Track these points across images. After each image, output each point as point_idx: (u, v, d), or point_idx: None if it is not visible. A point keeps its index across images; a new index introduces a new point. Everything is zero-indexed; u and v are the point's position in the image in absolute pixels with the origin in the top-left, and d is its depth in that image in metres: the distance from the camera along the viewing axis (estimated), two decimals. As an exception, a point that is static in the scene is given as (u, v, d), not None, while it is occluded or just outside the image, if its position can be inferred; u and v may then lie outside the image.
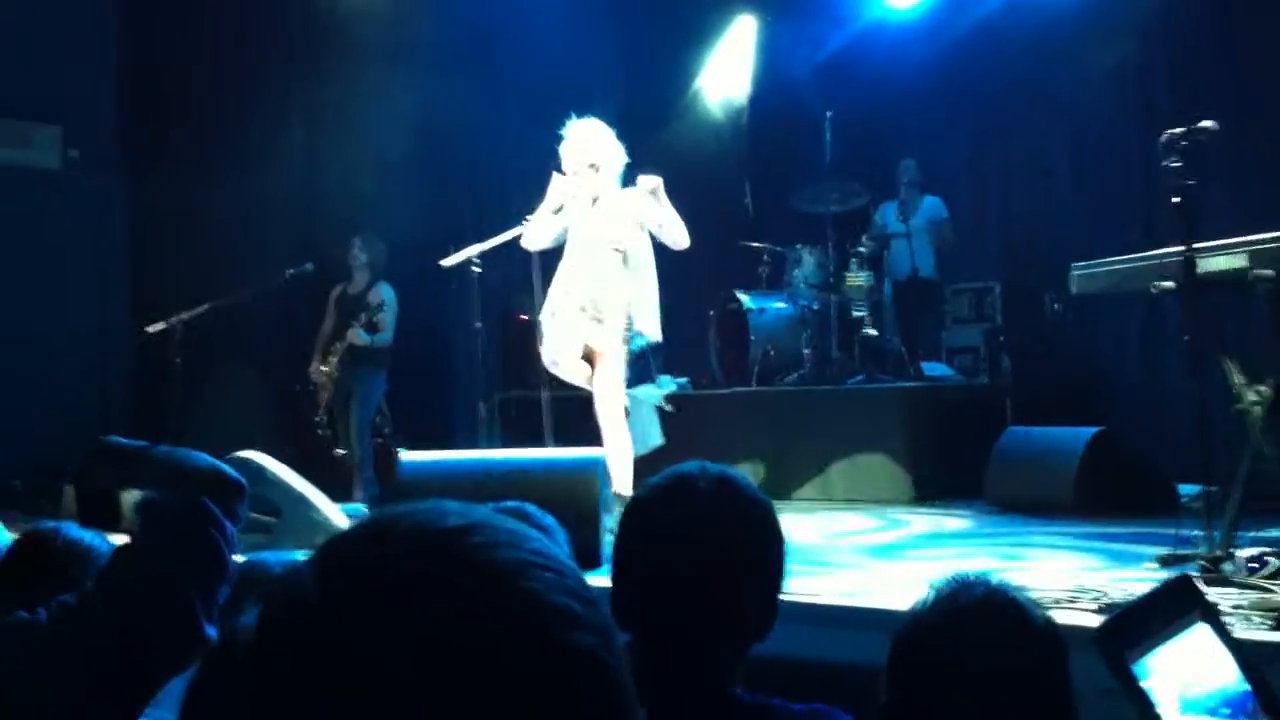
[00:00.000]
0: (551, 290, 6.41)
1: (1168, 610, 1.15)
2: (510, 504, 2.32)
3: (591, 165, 6.28)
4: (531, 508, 2.33)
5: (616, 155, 6.38)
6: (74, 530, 2.39)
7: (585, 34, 9.59)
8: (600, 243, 6.29)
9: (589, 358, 6.25)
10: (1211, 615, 1.16)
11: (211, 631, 1.84)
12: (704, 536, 1.88)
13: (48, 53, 9.69)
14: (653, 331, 6.36)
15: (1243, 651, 1.15)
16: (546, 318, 6.36)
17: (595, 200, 6.36)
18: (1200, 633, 1.15)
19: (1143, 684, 1.11)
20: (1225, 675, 1.14)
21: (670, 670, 1.85)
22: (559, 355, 6.24)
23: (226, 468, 2.03)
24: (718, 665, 1.88)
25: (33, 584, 2.16)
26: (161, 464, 2.04)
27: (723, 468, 1.99)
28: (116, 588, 1.83)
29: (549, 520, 2.32)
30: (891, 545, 5.99)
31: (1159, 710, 1.11)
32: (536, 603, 0.76)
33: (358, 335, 8.31)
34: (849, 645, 3.86)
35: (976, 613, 1.63)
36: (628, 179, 6.46)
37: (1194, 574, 3.97)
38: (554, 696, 0.74)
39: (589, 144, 6.32)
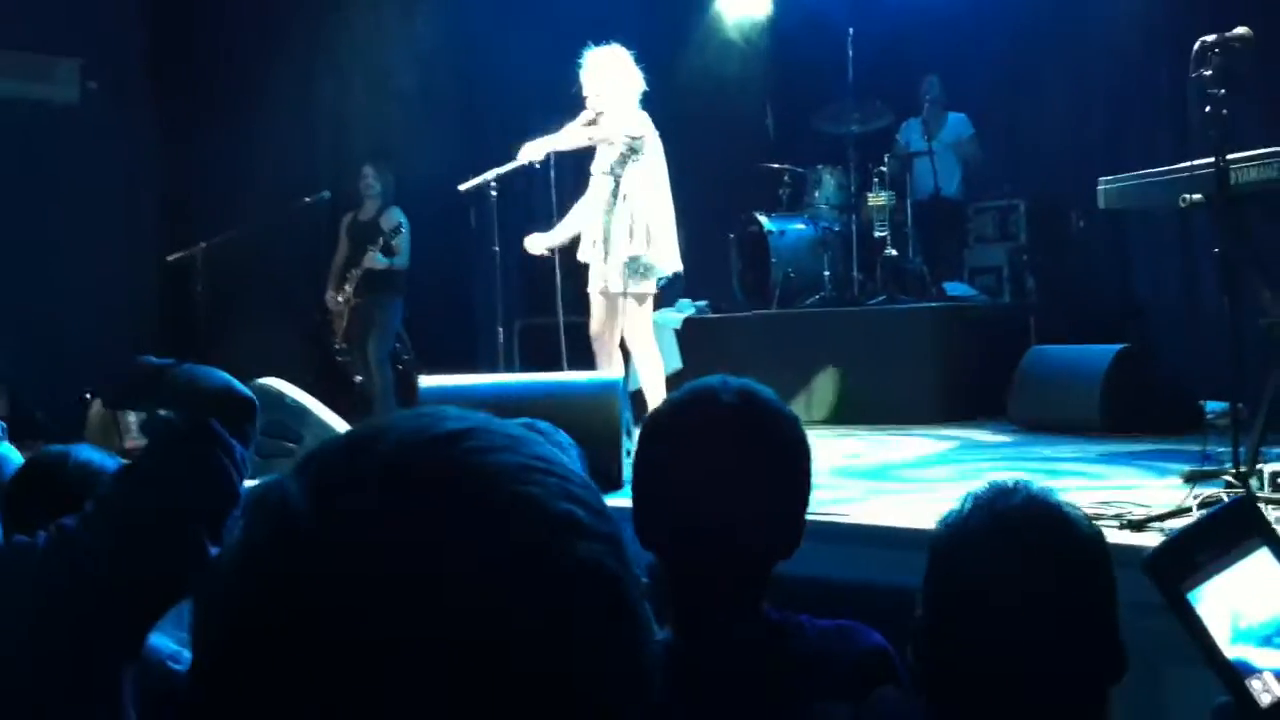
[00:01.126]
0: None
1: (1226, 534, 1.09)
2: (522, 420, 2.27)
3: (596, 92, 6.23)
4: (544, 424, 2.27)
5: (626, 83, 6.27)
6: (85, 451, 2.37)
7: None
8: (599, 173, 6.28)
9: (605, 294, 6.28)
10: (1273, 539, 1.10)
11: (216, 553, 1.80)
12: (728, 450, 1.82)
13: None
14: (669, 262, 6.33)
15: None
16: (587, 249, 6.37)
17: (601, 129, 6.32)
18: (1260, 558, 1.09)
19: (1197, 610, 1.07)
20: None
21: (695, 589, 1.82)
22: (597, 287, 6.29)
23: (238, 385, 1.98)
24: (743, 582, 1.84)
25: (44, 507, 2.14)
26: (176, 383, 2.00)
27: (745, 380, 1.93)
28: (115, 512, 1.78)
29: (562, 437, 2.26)
30: (914, 464, 5.97)
31: (1215, 640, 1.07)
32: (537, 508, 0.71)
33: (375, 259, 8.26)
34: (874, 564, 3.85)
35: (1018, 520, 1.56)
36: (648, 106, 6.39)
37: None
38: (558, 609, 0.69)
39: (595, 73, 6.26)
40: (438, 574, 0.67)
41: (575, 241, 6.56)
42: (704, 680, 1.74)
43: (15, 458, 2.69)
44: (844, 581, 3.66)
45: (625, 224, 6.20)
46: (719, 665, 1.78)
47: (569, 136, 6.36)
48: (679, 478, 1.84)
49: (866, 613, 2.00)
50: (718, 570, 1.81)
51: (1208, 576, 1.08)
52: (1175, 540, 1.11)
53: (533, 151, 6.38)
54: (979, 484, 1.67)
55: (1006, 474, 1.76)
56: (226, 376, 2.03)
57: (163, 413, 2.05)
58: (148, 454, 1.89)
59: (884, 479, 5.50)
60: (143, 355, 2.14)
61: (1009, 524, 1.55)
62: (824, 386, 7.92)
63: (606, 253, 6.22)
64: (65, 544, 1.75)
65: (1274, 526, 1.11)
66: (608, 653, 0.71)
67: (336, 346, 8.56)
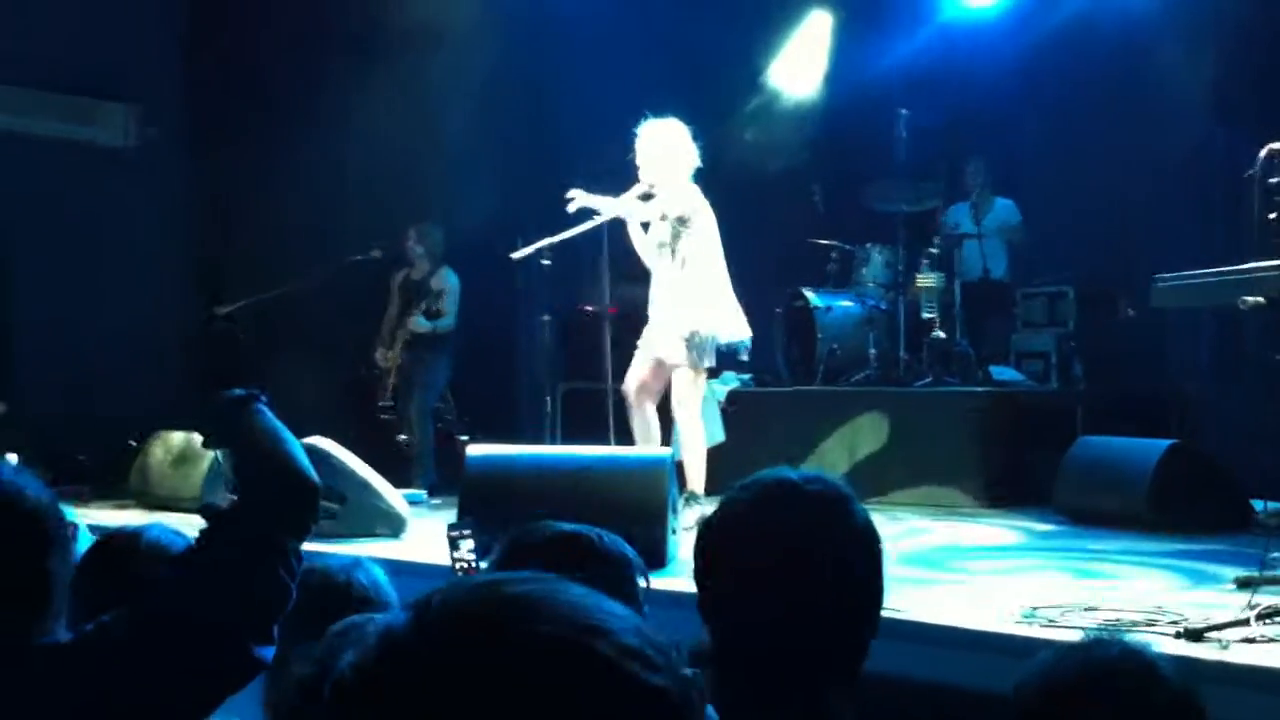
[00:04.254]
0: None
1: None
2: (586, 528, 2.25)
3: (649, 163, 6.25)
4: (608, 535, 2.26)
5: (681, 158, 6.29)
6: (156, 530, 2.36)
7: (656, 25, 9.51)
8: (660, 245, 6.29)
9: (656, 369, 6.27)
10: None
11: (266, 654, 1.76)
12: (803, 543, 1.78)
13: (116, 30, 9.76)
14: (731, 329, 6.33)
15: None
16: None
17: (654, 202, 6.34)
18: None
19: None
20: None
21: (752, 676, 1.78)
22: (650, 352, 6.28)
23: (305, 465, 1.94)
24: (802, 675, 1.79)
25: (116, 589, 2.13)
26: (254, 429, 1.95)
27: (821, 472, 1.91)
28: (161, 617, 1.73)
29: (625, 548, 2.25)
30: (962, 553, 5.89)
31: None
32: (613, 640, 0.83)
33: (417, 322, 8.31)
34: (922, 662, 3.79)
35: (1109, 672, 1.53)
36: (697, 176, 6.42)
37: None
38: None
39: (651, 145, 6.27)
40: (525, 690, 0.79)
41: (626, 307, 6.56)
42: None
43: (84, 537, 2.68)
44: (895, 677, 3.60)
45: (682, 296, 6.21)
46: None
47: (619, 205, 6.35)
48: (749, 567, 1.80)
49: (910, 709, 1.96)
50: (776, 662, 1.77)
51: None
52: None
53: (584, 200, 6.32)
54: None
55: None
56: (294, 448, 1.97)
57: (219, 501, 1.99)
58: (203, 557, 1.81)
59: (931, 567, 5.43)
60: (224, 389, 2.12)
61: (1099, 676, 1.52)
62: (868, 433, 7.87)
63: (667, 324, 6.23)
64: (99, 641, 1.69)
65: None
66: None
67: (381, 403, 8.59)
